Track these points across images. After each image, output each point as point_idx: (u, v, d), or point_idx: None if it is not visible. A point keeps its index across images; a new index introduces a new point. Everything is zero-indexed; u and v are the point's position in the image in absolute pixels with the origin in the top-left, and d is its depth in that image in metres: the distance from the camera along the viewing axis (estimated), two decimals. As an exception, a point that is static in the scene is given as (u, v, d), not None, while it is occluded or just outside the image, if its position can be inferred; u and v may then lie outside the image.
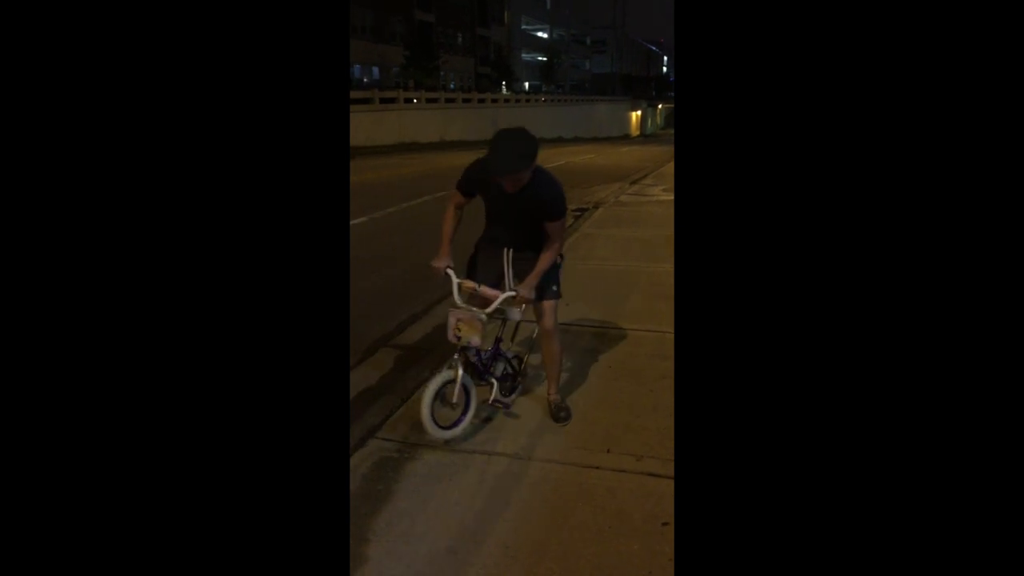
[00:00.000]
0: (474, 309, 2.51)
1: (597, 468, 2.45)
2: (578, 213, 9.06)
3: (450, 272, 2.61)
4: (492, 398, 2.69)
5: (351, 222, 7.47)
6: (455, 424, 2.49)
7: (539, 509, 2.20)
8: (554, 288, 2.72)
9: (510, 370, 2.87)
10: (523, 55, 51.50)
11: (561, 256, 2.71)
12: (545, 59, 50.76)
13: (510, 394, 2.82)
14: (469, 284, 2.62)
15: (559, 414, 2.83)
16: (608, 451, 2.56)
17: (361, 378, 3.42)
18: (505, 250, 2.75)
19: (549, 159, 20.68)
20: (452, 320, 2.53)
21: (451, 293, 2.62)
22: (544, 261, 2.57)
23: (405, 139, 25.97)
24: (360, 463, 2.49)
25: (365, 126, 22.67)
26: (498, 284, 2.71)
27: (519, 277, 2.71)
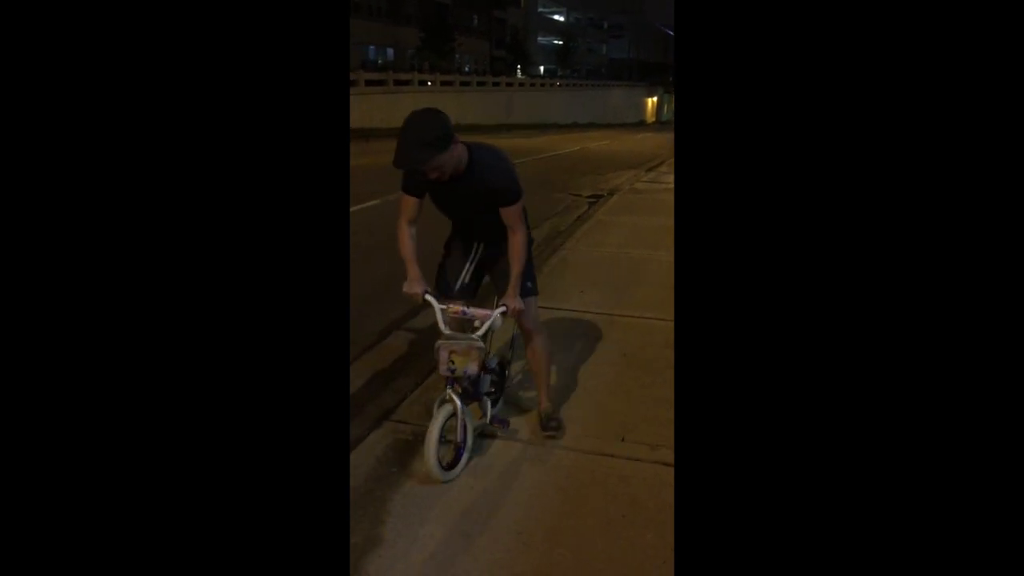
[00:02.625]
0: (471, 336, 2.28)
1: (611, 456, 2.45)
2: (592, 200, 9.03)
3: (429, 298, 2.33)
4: (489, 418, 2.52)
5: (364, 205, 7.46)
6: (456, 461, 2.33)
7: (553, 496, 2.21)
8: (528, 284, 2.45)
9: (496, 378, 2.68)
10: (539, 38, 51.12)
11: (531, 239, 2.43)
12: (561, 43, 50.36)
13: (495, 404, 2.64)
14: (455, 308, 2.34)
15: (549, 424, 2.55)
16: (623, 440, 2.56)
17: (375, 360, 3.43)
18: (475, 244, 2.53)
19: (564, 145, 20.56)
20: (444, 354, 2.25)
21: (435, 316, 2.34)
22: (515, 261, 2.32)
23: (420, 121, 25.83)
24: (374, 445, 2.50)
25: (380, 107, 22.55)
26: (461, 281, 2.52)
27: (485, 269, 2.54)
